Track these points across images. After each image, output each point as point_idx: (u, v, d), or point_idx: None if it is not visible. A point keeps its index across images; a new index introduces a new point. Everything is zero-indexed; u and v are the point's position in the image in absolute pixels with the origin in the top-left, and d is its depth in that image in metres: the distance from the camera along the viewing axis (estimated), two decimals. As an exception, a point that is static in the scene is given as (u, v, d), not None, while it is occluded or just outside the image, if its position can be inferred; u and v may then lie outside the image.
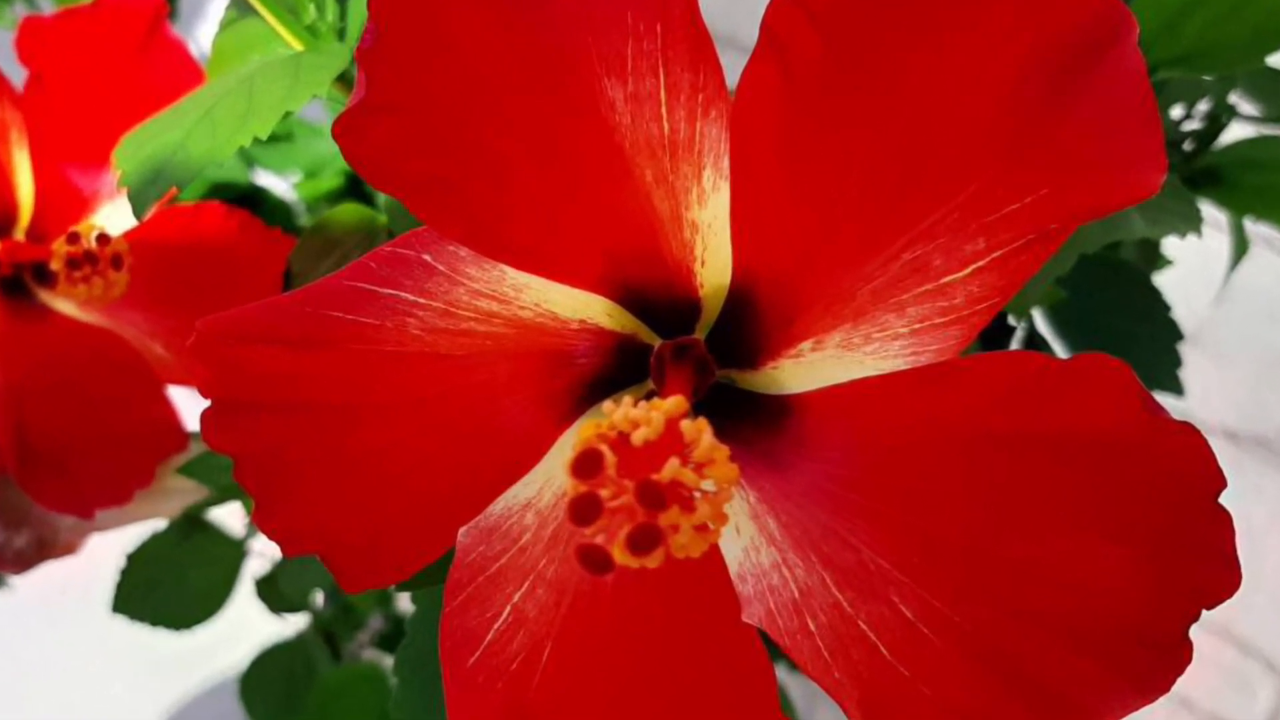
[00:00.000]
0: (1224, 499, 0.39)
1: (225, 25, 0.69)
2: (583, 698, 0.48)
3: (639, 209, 0.44)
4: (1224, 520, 0.39)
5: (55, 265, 0.72)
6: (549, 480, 0.49)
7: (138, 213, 0.57)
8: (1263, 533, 1.67)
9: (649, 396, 0.46)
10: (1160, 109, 0.37)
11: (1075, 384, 0.39)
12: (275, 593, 1.12)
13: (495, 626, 0.48)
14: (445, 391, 0.48)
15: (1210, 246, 0.84)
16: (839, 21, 0.39)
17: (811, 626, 0.44)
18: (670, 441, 0.41)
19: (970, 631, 0.42)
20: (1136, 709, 0.41)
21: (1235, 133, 0.88)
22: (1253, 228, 1.01)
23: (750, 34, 0.40)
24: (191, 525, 1.06)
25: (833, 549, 0.44)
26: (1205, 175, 0.86)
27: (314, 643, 1.23)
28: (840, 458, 0.44)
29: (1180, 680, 0.40)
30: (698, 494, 0.41)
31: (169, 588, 1.05)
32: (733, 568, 0.46)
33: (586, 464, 0.41)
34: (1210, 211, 0.75)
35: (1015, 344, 0.89)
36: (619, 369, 0.49)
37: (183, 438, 0.82)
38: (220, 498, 0.93)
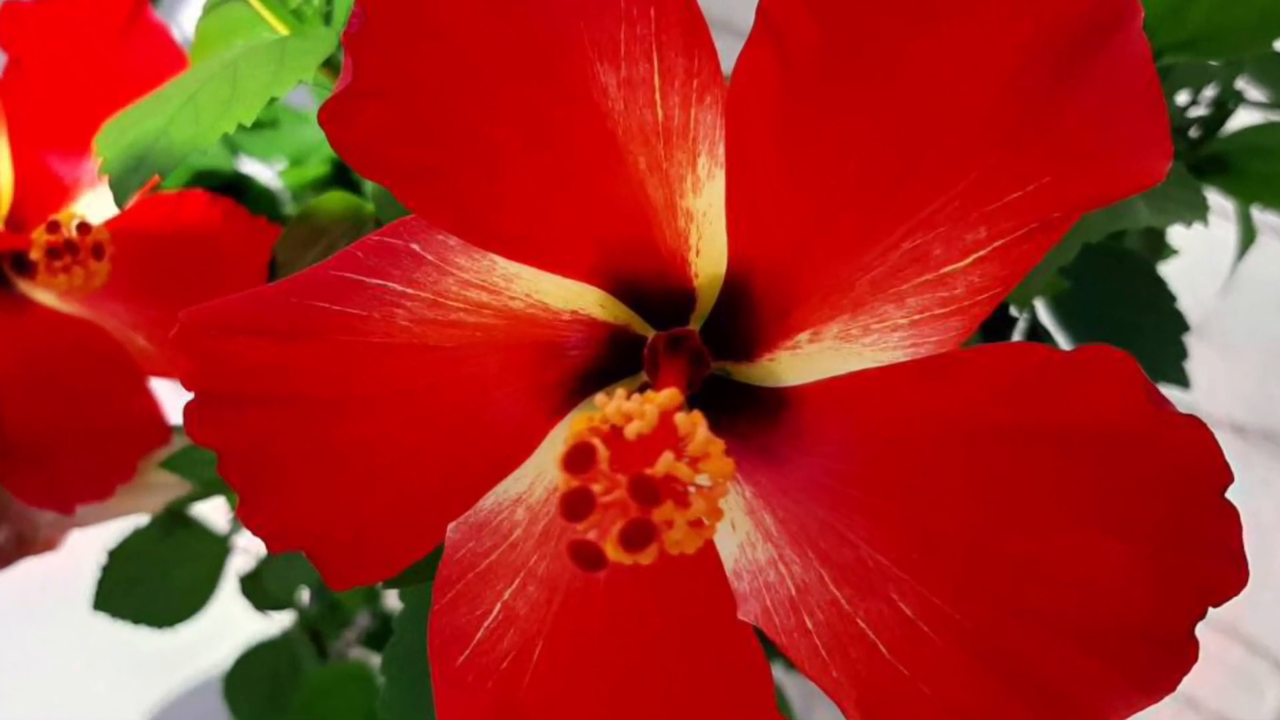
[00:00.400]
0: (1231, 494, 0.39)
1: (209, 9, 0.69)
2: (574, 697, 0.48)
3: (632, 197, 0.44)
4: (1230, 516, 0.39)
5: (35, 255, 0.72)
6: (540, 475, 0.49)
7: (119, 201, 0.57)
8: (1270, 528, 1.67)
9: (642, 389, 0.46)
10: (1165, 95, 0.37)
11: (1078, 376, 0.39)
12: (260, 590, 1.12)
13: (485, 624, 0.48)
14: (434, 384, 0.48)
15: (1217, 235, 0.84)
16: (836, 6, 0.39)
17: (809, 624, 0.44)
18: (664, 435, 0.41)
19: (971, 629, 0.42)
20: (1141, 709, 0.41)
21: (1242, 119, 0.88)
22: (1260, 216, 1.01)
23: (746, 18, 0.40)
24: (174, 521, 1.06)
25: (830, 545, 0.44)
26: (1212, 163, 0.86)
27: (300, 641, 1.23)
28: (838, 452, 0.44)
29: (1186, 679, 0.41)
30: (692, 489, 0.41)
31: (151, 585, 1.05)
32: (728, 564, 0.46)
33: (578, 458, 0.41)
34: (1217, 200, 0.75)
35: (1017, 335, 0.89)
36: (612, 361, 0.49)
37: (165, 431, 0.82)
38: (203, 493, 0.92)
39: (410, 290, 0.46)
